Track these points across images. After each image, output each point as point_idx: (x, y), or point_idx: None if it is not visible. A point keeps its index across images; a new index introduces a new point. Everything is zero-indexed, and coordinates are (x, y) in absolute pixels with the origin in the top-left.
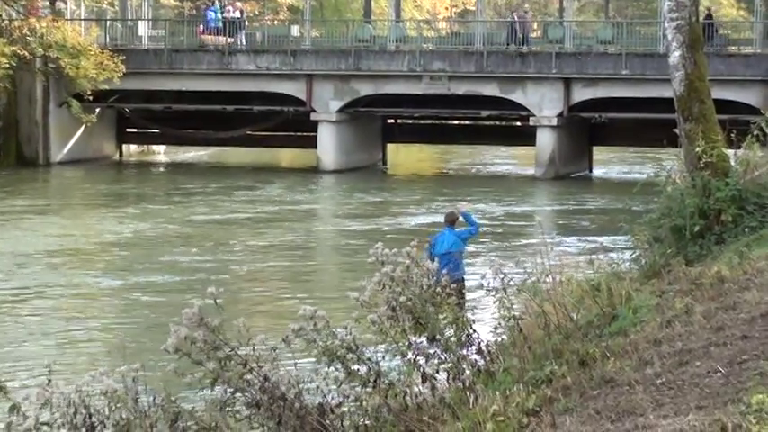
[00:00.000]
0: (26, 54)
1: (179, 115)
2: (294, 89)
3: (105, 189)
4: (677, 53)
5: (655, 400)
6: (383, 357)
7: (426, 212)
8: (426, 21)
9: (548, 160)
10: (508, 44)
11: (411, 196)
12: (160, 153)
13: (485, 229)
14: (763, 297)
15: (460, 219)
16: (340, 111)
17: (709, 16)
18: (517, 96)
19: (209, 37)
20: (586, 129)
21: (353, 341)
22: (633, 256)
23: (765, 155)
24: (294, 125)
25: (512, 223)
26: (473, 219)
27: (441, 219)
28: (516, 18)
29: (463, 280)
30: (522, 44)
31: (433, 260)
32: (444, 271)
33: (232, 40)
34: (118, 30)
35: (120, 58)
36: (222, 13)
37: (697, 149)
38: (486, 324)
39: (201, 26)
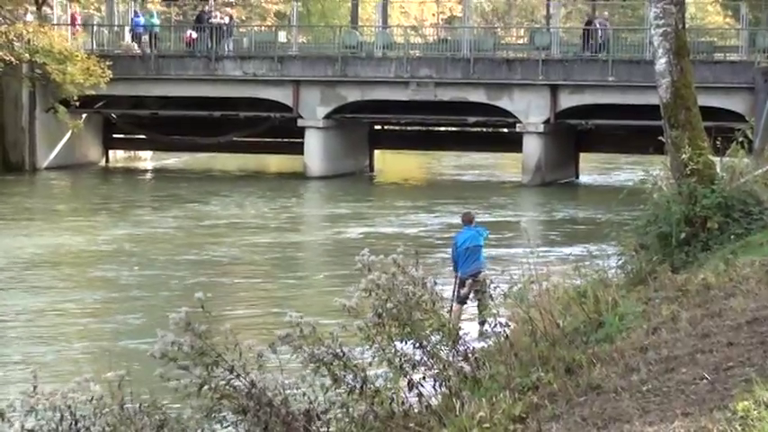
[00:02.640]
0: (12, 59)
1: (165, 121)
2: (281, 95)
3: (82, 198)
4: (663, 60)
5: (641, 407)
6: (370, 364)
7: (412, 219)
8: (413, 27)
9: (534, 167)
10: (592, 52)
11: (397, 203)
12: (146, 159)
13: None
14: (748, 304)
15: None
16: (327, 117)
17: (589, 22)
18: (504, 103)
19: (124, 43)
20: (573, 135)
21: (340, 348)
22: (619, 263)
23: (751, 162)
24: (281, 131)
25: (498, 230)
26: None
27: (426, 225)
28: (598, 25)
29: (479, 273)
30: (603, 51)
31: (457, 259)
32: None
33: (137, 47)
34: (104, 35)
35: (107, 63)
36: (207, 18)
37: (683, 156)
38: (472, 330)
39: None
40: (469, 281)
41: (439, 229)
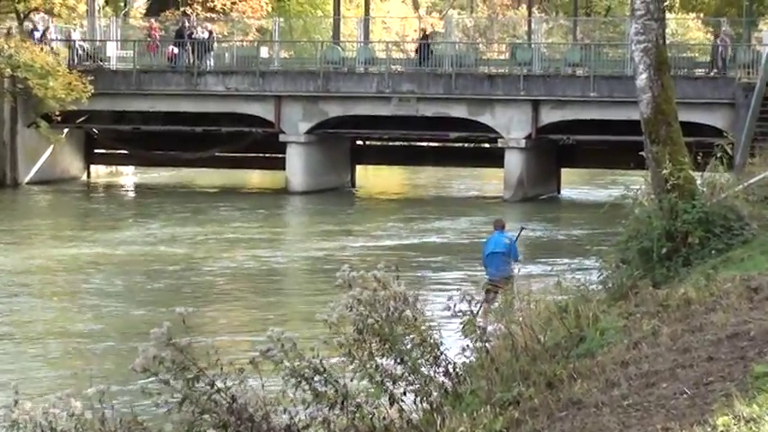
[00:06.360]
0: None
1: (147, 136)
2: (263, 110)
3: (59, 215)
4: (644, 76)
5: (621, 422)
6: (351, 379)
7: (394, 234)
8: (395, 43)
9: (516, 182)
10: (712, 68)
11: (379, 218)
12: (128, 174)
13: (454, 249)
14: (729, 319)
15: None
16: (309, 132)
17: (425, 36)
18: (485, 118)
19: None
20: (555, 151)
21: (321, 363)
22: (601, 278)
23: (731, 177)
24: (263, 146)
25: (479, 246)
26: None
27: (408, 241)
28: (719, 42)
29: (508, 278)
30: (722, 68)
31: (484, 261)
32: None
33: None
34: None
35: (89, 78)
36: (189, 34)
37: (664, 172)
38: (453, 346)
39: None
40: (498, 279)
41: (420, 244)
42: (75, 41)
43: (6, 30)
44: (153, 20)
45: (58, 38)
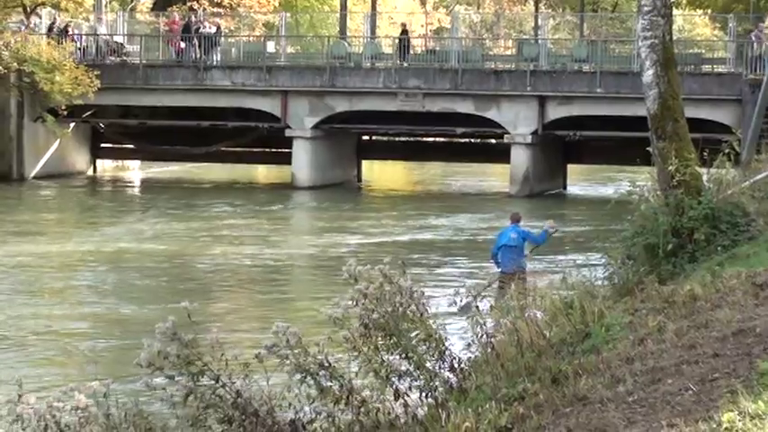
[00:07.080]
0: (0, 68)
1: (154, 131)
2: (269, 105)
3: (62, 209)
4: (651, 72)
5: (626, 418)
6: (356, 374)
7: (400, 230)
8: (401, 38)
9: (522, 178)
10: (743, 65)
11: (384, 213)
12: (134, 169)
13: (460, 245)
14: (734, 315)
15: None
16: (315, 127)
17: (404, 32)
18: (492, 114)
19: None
20: (561, 146)
21: (326, 358)
22: (606, 274)
23: (738, 174)
24: (269, 141)
25: (483, 241)
26: (545, 237)
27: (413, 236)
28: (753, 38)
29: (515, 273)
30: (760, 64)
31: (496, 253)
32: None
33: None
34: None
35: (95, 73)
36: (196, 28)
37: (670, 168)
38: (459, 341)
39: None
40: (510, 273)
41: (425, 240)
42: (99, 36)
43: (25, 25)
44: (176, 15)
45: (80, 32)
